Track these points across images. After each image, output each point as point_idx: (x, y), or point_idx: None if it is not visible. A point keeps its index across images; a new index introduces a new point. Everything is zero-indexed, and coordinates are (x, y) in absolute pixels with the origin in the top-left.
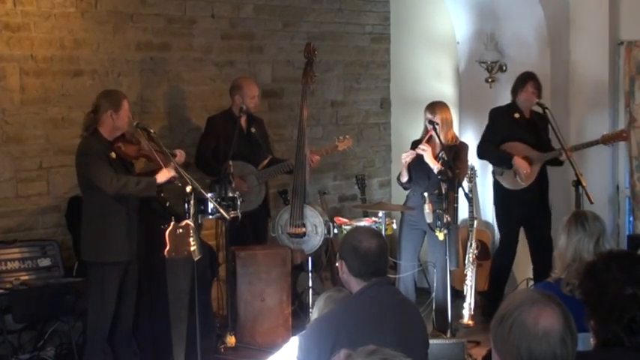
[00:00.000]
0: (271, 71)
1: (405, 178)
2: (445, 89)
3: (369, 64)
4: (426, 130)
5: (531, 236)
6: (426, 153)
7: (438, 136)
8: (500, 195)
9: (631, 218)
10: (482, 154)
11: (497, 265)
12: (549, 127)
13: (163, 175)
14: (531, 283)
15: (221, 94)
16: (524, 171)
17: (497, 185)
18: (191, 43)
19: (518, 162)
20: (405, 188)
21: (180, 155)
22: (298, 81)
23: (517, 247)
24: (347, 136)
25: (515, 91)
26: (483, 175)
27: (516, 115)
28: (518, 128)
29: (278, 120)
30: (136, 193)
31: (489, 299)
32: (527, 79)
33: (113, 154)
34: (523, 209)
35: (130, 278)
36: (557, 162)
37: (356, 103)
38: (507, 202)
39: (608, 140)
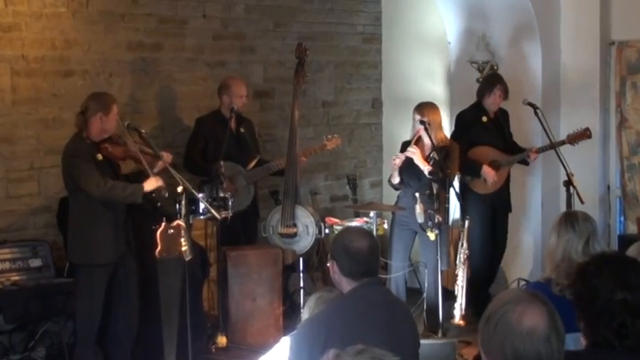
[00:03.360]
0: (263, 71)
1: (396, 180)
2: (436, 89)
3: (361, 65)
4: (416, 131)
5: (494, 235)
6: (415, 155)
7: (429, 136)
8: (472, 199)
9: (622, 218)
10: None
11: (475, 269)
12: (541, 126)
13: (151, 184)
14: (522, 282)
15: (212, 94)
16: (491, 180)
17: (467, 189)
18: (183, 44)
19: (487, 171)
20: (397, 189)
21: (167, 157)
22: (290, 81)
23: (492, 248)
24: (335, 135)
25: (483, 93)
26: None
27: (484, 119)
28: (486, 132)
29: (269, 120)
30: (122, 199)
31: (474, 301)
32: (494, 81)
33: (100, 156)
34: (492, 210)
35: (122, 279)
36: (523, 162)
37: (347, 104)
38: (479, 204)
39: (573, 140)
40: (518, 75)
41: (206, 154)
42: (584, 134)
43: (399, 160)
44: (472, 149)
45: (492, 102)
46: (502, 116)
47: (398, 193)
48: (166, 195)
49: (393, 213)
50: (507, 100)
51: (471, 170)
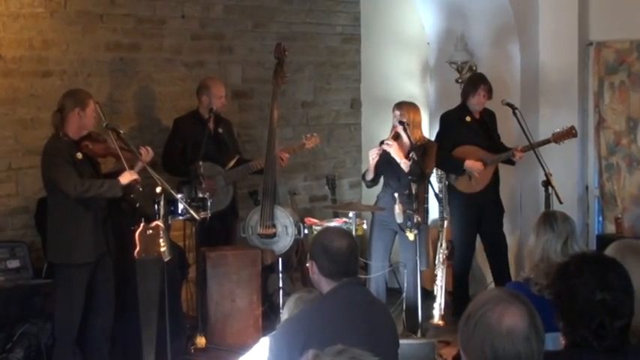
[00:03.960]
0: (241, 72)
1: (370, 176)
2: (415, 90)
3: (340, 65)
4: (393, 128)
5: (485, 237)
6: (392, 148)
7: (409, 136)
8: (456, 198)
9: (600, 218)
10: (437, 164)
11: (457, 269)
12: (520, 126)
13: (126, 177)
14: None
15: (191, 94)
16: (477, 172)
17: (451, 189)
18: (161, 44)
19: (470, 164)
20: (369, 186)
21: (147, 153)
22: (269, 81)
23: (475, 249)
24: (314, 134)
25: (467, 94)
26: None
27: (468, 119)
28: (470, 132)
29: (248, 120)
30: (99, 196)
31: (455, 300)
32: (478, 82)
33: (79, 155)
34: (478, 211)
35: (101, 280)
36: (509, 161)
37: (326, 104)
38: (464, 204)
39: (558, 138)
40: (496, 75)
41: (185, 155)
42: (570, 133)
43: (375, 154)
44: (456, 149)
45: (477, 102)
46: (488, 117)
47: (377, 193)
48: (140, 189)
49: (372, 213)
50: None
51: (453, 168)
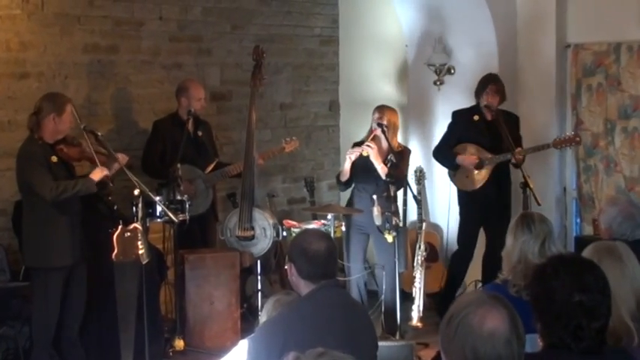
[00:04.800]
0: (220, 74)
1: (345, 178)
2: (393, 92)
3: (318, 67)
4: (371, 131)
5: (488, 238)
6: (373, 151)
7: (387, 139)
8: (461, 195)
9: (578, 220)
10: (434, 154)
11: (452, 267)
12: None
13: (97, 173)
14: (480, 285)
15: (169, 96)
16: (469, 163)
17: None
18: (139, 46)
19: (462, 158)
20: (342, 189)
21: (123, 158)
22: (247, 84)
23: (474, 249)
24: (294, 138)
25: (478, 93)
26: (432, 178)
27: (475, 118)
28: (474, 130)
29: (226, 123)
30: (76, 195)
31: (444, 301)
32: (487, 82)
33: (54, 158)
34: (481, 211)
35: (76, 282)
36: (515, 165)
37: (305, 106)
38: (467, 203)
39: (559, 144)
40: (474, 77)
41: (164, 157)
42: (573, 139)
43: (354, 154)
44: (458, 146)
45: (489, 101)
46: (507, 119)
47: (348, 197)
48: (111, 184)
49: (347, 216)
50: (463, 104)
51: (447, 162)
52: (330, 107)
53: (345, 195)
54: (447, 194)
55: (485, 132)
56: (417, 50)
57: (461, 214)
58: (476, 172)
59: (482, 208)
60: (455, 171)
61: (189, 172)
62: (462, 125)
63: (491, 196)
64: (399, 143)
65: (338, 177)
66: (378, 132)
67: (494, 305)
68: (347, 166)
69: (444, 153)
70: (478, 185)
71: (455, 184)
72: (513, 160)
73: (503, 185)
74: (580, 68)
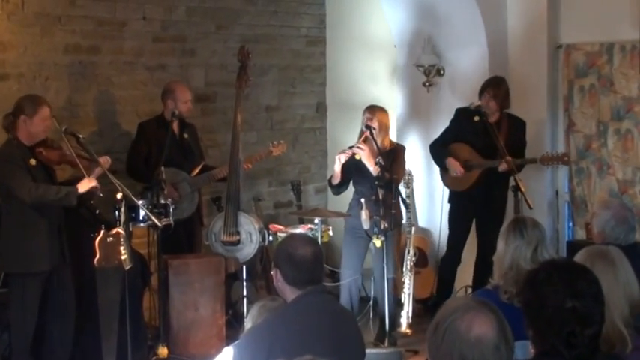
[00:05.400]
0: (204, 75)
1: (337, 181)
2: (382, 93)
3: (305, 68)
4: (362, 132)
5: (479, 242)
6: (364, 153)
7: (375, 142)
8: (451, 195)
9: (570, 224)
10: (430, 148)
11: (440, 271)
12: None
13: (85, 185)
14: (470, 290)
15: (152, 98)
16: (454, 173)
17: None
18: (121, 46)
19: (450, 162)
20: (336, 193)
21: (105, 162)
22: (232, 85)
23: (462, 252)
24: (281, 142)
25: (479, 96)
26: (421, 181)
27: (475, 118)
28: (471, 131)
29: (211, 125)
30: (56, 203)
31: (436, 307)
32: (486, 85)
33: (33, 161)
34: (470, 213)
35: (60, 287)
36: (503, 172)
37: (291, 108)
38: (456, 203)
39: (547, 161)
40: (465, 78)
41: (149, 160)
42: (561, 159)
43: (344, 156)
44: (453, 144)
45: (485, 105)
46: (512, 124)
47: (350, 201)
48: (101, 195)
49: (345, 220)
50: (453, 105)
51: (438, 159)
52: (317, 109)
53: (334, 198)
54: (439, 197)
55: (481, 134)
56: (406, 51)
57: (450, 214)
58: (464, 173)
59: (472, 210)
60: (445, 170)
61: (174, 176)
62: (462, 123)
63: (481, 198)
64: (391, 142)
65: (330, 180)
66: (367, 134)
67: (481, 310)
68: (337, 168)
69: (438, 150)
70: (465, 187)
71: (443, 181)
72: (500, 168)
73: (495, 188)
74: (572, 69)
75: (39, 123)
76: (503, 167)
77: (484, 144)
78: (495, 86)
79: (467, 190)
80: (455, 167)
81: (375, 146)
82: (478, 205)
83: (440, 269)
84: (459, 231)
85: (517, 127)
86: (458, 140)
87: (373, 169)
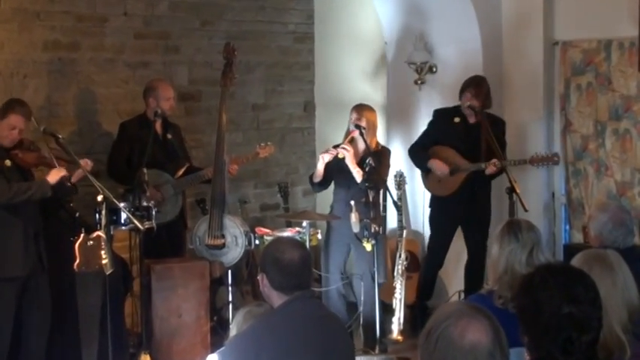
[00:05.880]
0: (188, 73)
1: (318, 179)
2: (372, 91)
3: (292, 65)
4: (349, 132)
5: (468, 246)
6: (348, 154)
7: (365, 141)
8: (433, 200)
9: (567, 227)
10: (409, 152)
11: (422, 273)
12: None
13: (54, 175)
14: (462, 295)
15: (134, 97)
16: (439, 172)
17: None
18: (102, 43)
19: (433, 163)
20: (316, 190)
21: (86, 164)
22: (217, 83)
23: (444, 257)
24: (269, 143)
25: (460, 94)
26: (414, 182)
27: (456, 120)
28: (453, 133)
29: (195, 125)
30: (29, 198)
31: (416, 312)
32: (467, 84)
33: (8, 162)
34: (454, 218)
35: (36, 295)
36: (488, 175)
37: (278, 107)
38: (439, 208)
39: (537, 162)
40: (458, 77)
41: (132, 161)
42: (551, 159)
43: (328, 156)
44: (434, 147)
45: (463, 104)
46: (492, 124)
47: (331, 203)
48: (69, 184)
49: (327, 222)
50: (446, 104)
51: (420, 162)
52: (305, 108)
53: (322, 200)
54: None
55: (463, 136)
56: (397, 48)
57: (432, 218)
58: (448, 177)
59: (456, 215)
60: (427, 173)
61: (157, 177)
62: (442, 126)
63: (466, 202)
64: (377, 143)
65: (311, 177)
66: (356, 134)
67: (475, 316)
68: (320, 167)
69: (418, 153)
70: (450, 192)
71: (426, 186)
72: (488, 171)
73: (480, 191)
74: (569, 67)
75: (4, 128)
76: (491, 169)
77: (468, 146)
78: (477, 85)
79: (451, 194)
80: (440, 167)
81: (365, 146)
82: (463, 209)
83: (421, 273)
84: (442, 235)
85: (498, 127)
86: (439, 143)
87: (356, 171)
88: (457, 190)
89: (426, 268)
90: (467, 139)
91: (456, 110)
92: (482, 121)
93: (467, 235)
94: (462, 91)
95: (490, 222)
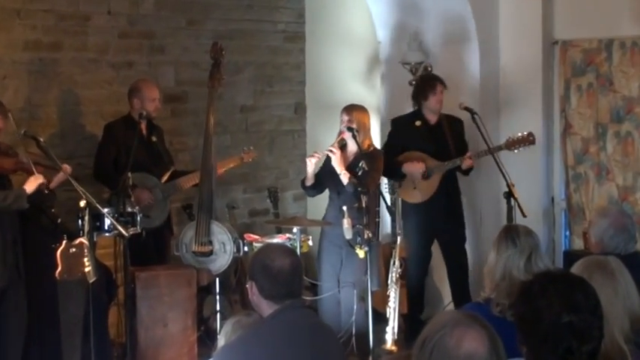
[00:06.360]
0: (174, 73)
1: (310, 182)
2: (366, 92)
3: (282, 66)
4: (340, 133)
5: (445, 253)
6: (335, 156)
7: (358, 144)
8: (405, 210)
9: (567, 232)
10: None
11: (408, 288)
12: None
13: (32, 184)
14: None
15: (118, 98)
16: (418, 172)
17: (402, 201)
18: (85, 43)
19: (408, 167)
20: (311, 195)
21: (65, 169)
22: (204, 84)
23: (428, 265)
24: (251, 148)
25: (424, 96)
26: None
27: (417, 123)
28: (418, 137)
29: (182, 127)
30: (5, 209)
31: (408, 323)
32: (433, 79)
33: None
34: (432, 224)
35: (12, 307)
36: (463, 171)
37: (268, 109)
38: (414, 216)
39: (512, 145)
40: (453, 77)
41: (118, 164)
42: (527, 139)
43: (314, 159)
44: (402, 155)
45: (436, 101)
46: (452, 124)
47: (326, 206)
48: (46, 192)
49: (322, 228)
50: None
51: (393, 172)
52: (295, 110)
53: (313, 206)
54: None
55: (429, 138)
56: (391, 47)
57: (409, 227)
58: (424, 181)
59: (433, 221)
60: (401, 181)
61: (146, 181)
62: (404, 132)
63: (442, 206)
64: (371, 144)
65: (303, 182)
66: (347, 136)
67: (472, 325)
68: (309, 170)
69: (389, 163)
70: (428, 196)
71: (401, 196)
72: (463, 166)
73: (453, 194)
74: (569, 67)
75: None
76: (467, 163)
77: (436, 147)
78: (442, 80)
79: (428, 199)
80: (415, 168)
81: (355, 147)
82: (438, 215)
83: (407, 285)
84: (422, 244)
85: (457, 126)
86: (405, 150)
87: (343, 174)
88: (435, 193)
89: (410, 281)
90: (433, 141)
91: (415, 114)
92: (441, 121)
93: (443, 241)
94: (432, 89)
95: (465, 225)
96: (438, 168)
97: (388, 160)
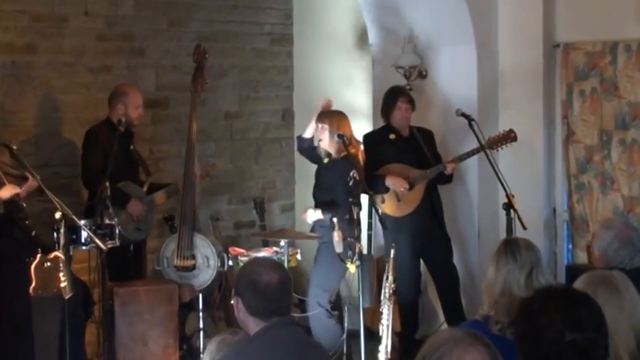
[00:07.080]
0: (155, 78)
1: (308, 134)
2: (357, 98)
3: (269, 70)
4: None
5: (432, 269)
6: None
7: (348, 151)
8: (390, 224)
9: (570, 246)
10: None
11: (400, 305)
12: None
13: (6, 191)
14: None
15: (97, 104)
16: (401, 188)
17: (384, 214)
18: (61, 45)
19: (391, 180)
20: (299, 149)
21: (31, 181)
22: (186, 89)
23: (420, 280)
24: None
25: (387, 111)
26: None
27: (391, 137)
28: (395, 150)
29: (163, 134)
30: None
31: (402, 342)
32: (396, 94)
33: None
34: (418, 238)
35: None
36: (446, 178)
37: (254, 115)
38: (399, 231)
39: (494, 144)
40: (450, 82)
41: (105, 170)
42: (507, 136)
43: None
44: (382, 168)
45: (401, 117)
46: (423, 136)
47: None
48: (24, 205)
49: (318, 241)
50: (437, 112)
51: (375, 185)
52: (283, 116)
53: (301, 219)
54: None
55: (406, 150)
56: (384, 50)
57: (395, 243)
58: (408, 193)
59: (419, 234)
60: (385, 194)
61: (135, 190)
62: (379, 147)
63: (427, 217)
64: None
65: (300, 135)
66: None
67: (472, 344)
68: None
69: (371, 177)
70: (414, 206)
71: (385, 210)
72: (448, 171)
73: (436, 203)
74: (571, 71)
75: None
76: (452, 167)
77: (416, 156)
78: (405, 92)
79: (414, 211)
80: (399, 182)
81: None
82: (423, 226)
83: (400, 303)
84: (411, 262)
85: (428, 137)
86: (383, 164)
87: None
88: (420, 203)
89: (402, 299)
90: (412, 152)
91: (386, 129)
92: (412, 132)
93: (428, 255)
94: (393, 103)
95: (450, 237)
96: (422, 176)
97: (371, 174)
